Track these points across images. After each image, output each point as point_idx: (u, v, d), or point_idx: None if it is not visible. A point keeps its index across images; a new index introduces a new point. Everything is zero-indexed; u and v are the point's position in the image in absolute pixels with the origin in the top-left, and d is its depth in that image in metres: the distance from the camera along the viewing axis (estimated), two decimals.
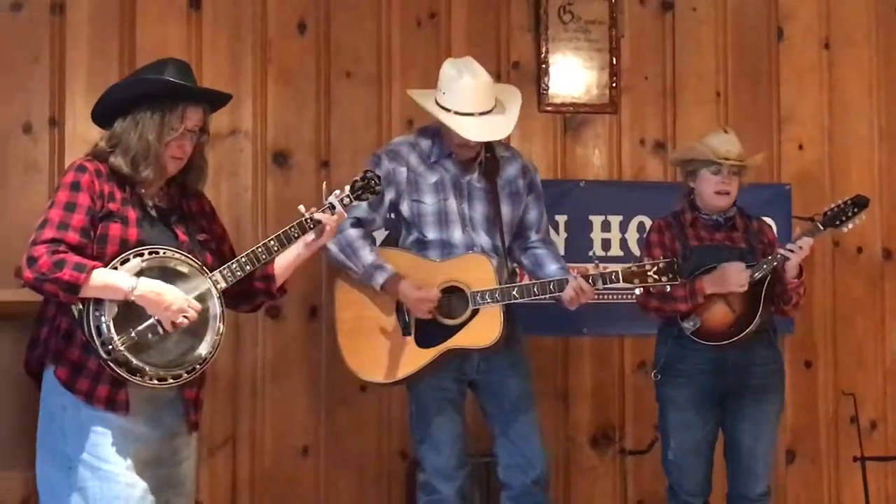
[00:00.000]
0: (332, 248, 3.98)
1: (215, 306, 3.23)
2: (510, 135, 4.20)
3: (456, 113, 3.99)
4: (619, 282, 3.99)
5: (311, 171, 4.90)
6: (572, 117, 5.12)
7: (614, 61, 5.14)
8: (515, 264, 4.23)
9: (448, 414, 4.03)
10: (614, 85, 5.14)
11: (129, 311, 3.10)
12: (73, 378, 3.13)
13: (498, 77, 4.92)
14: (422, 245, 4.08)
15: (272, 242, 3.34)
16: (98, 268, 3.07)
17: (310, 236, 3.39)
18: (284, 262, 3.43)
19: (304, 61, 4.92)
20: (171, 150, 3.25)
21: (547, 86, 5.09)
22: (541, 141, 5.08)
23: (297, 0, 4.93)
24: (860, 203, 4.26)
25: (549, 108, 5.09)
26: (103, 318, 3.08)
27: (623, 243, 5.05)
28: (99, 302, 3.08)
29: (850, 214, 4.25)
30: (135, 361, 3.09)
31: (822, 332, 5.24)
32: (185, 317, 3.12)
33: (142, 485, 3.15)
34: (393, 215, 4.13)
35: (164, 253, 3.19)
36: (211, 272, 3.25)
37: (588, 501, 5.05)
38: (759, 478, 4.30)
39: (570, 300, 4.01)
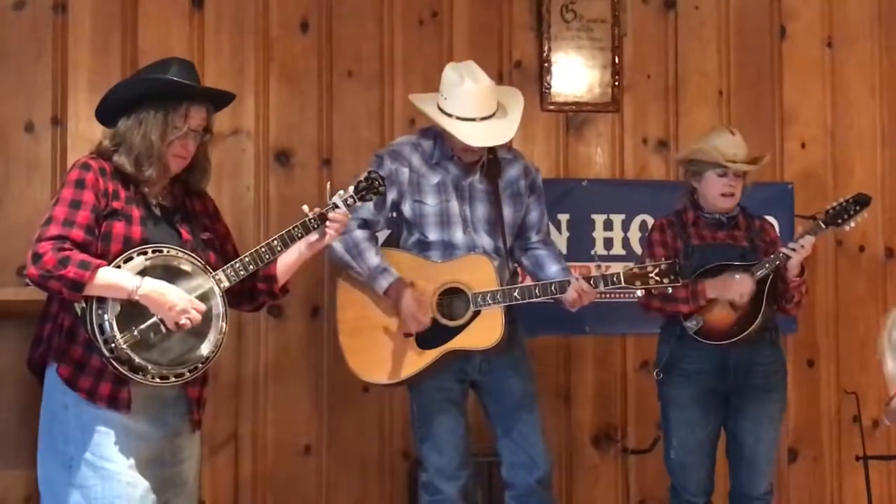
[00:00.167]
0: (338, 247, 3.96)
1: (218, 305, 3.23)
2: None
3: (458, 118, 3.97)
4: (620, 283, 3.99)
5: (313, 171, 4.89)
6: (574, 116, 5.12)
7: (617, 60, 5.13)
8: (516, 265, 4.22)
9: (450, 413, 4.02)
10: (617, 84, 5.13)
11: (132, 310, 3.09)
12: (76, 376, 3.13)
13: (500, 76, 4.93)
14: (423, 246, 4.07)
15: (275, 242, 3.33)
16: (103, 266, 3.07)
17: (312, 236, 3.39)
18: (287, 261, 3.43)
19: (307, 60, 4.92)
20: (174, 149, 3.24)
21: (549, 84, 5.08)
22: (543, 140, 5.08)
23: None
24: (862, 201, 4.27)
25: (551, 107, 5.09)
26: (106, 317, 3.08)
27: (625, 242, 5.04)
28: (102, 300, 3.08)
29: (852, 213, 4.25)
30: (137, 359, 3.09)
31: (824, 331, 5.23)
32: (188, 318, 3.12)
33: (143, 484, 3.15)
34: (394, 214, 4.12)
35: (168, 251, 3.19)
36: (214, 271, 3.26)
37: (590, 501, 5.05)
38: (762, 477, 4.29)
39: (571, 302, 4.00)
